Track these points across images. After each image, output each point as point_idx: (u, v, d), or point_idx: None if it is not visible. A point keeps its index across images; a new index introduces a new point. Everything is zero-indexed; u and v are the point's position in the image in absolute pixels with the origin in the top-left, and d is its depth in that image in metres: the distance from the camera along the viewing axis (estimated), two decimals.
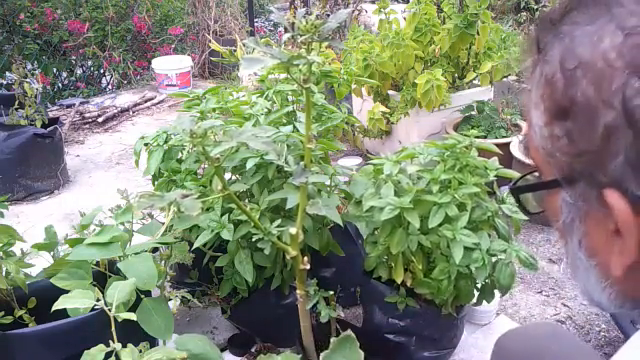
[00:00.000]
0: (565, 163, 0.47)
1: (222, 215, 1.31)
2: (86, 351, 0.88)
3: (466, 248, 1.20)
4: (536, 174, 0.55)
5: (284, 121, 1.45)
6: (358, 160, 2.71)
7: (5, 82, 4.21)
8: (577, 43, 0.45)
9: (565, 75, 0.45)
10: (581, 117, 0.44)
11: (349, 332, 1.23)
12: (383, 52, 2.51)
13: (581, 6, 0.46)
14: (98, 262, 1.22)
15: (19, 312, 1.23)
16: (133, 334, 1.02)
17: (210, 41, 2.94)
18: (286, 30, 0.95)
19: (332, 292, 1.34)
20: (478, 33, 2.48)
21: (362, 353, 1.21)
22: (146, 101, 3.94)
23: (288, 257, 1.17)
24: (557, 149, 0.47)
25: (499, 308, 1.79)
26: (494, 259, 1.26)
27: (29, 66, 4.42)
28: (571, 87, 0.45)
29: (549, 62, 0.47)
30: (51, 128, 2.65)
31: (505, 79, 2.93)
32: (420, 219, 1.22)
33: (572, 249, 0.51)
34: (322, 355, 1.20)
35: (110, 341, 0.89)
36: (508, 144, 2.27)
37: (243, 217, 1.27)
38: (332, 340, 1.22)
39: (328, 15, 3.99)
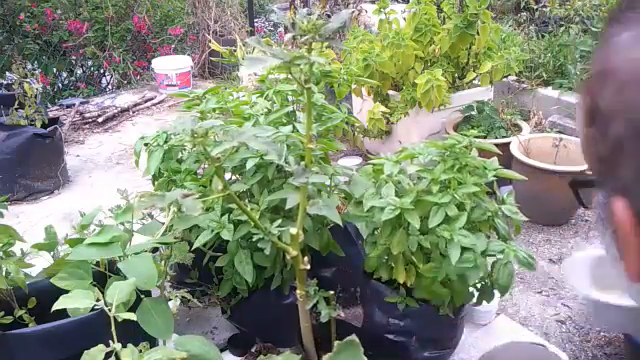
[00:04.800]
0: (594, 165, 0.47)
1: (222, 215, 1.31)
2: (86, 351, 0.88)
3: (464, 249, 1.20)
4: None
5: (284, 121, 1.45)
6: (358, 160, 2.71)
7: (5, 82, 4.20)
8: (614, 48, 0.43)
9: (599, 79, 0.44)
10: (600, 124, 0.43)
11: (353, 337, 1.21)
12: (383, 52, 2.51)
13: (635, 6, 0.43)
14: (98, 262, 1.22)
15: (19, 312, 1.23)
16: (133, 334, 1.02)
17: (210, 41, 2.94)
18: (286, 30, 0.95)
19: (332, 292, 1.34)
20: (478, 33, 2.48)
21: (365, 359, 1.20)
22: (146, 101, 3.94)
23: (288, 257, 1.17)
24: (587, 152, 0.48)
25: (499, 308, 1.79)
26: (492, 259, 1.26)
27: (29, 66, 4.42)
28: (600, 93, 0.43)
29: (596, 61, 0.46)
30: (51, 128, 2.64)
31: (505, 79, 2.93)
32: (420, 219, 1.22)
33: (607, 242, 0.51)
34: (325, 358, 1.18)
35: (110, 341, 0.89)
36: (508, 144, 2.27)
37: (243, 217, 1.27)
38: (336, 343, 1.20)
39: (328, 15, 4.00)
